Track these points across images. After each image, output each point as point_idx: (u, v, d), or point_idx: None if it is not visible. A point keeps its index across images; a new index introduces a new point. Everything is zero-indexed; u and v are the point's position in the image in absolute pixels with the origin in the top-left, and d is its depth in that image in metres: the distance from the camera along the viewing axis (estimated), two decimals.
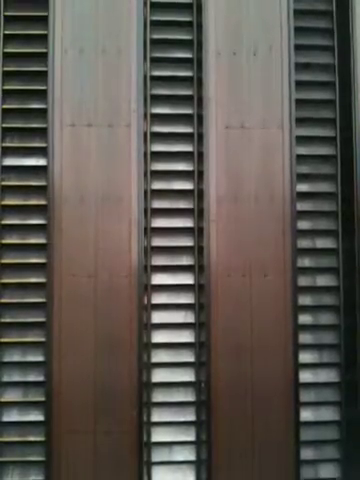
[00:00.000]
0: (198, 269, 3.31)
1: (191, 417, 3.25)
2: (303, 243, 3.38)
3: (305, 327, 3.33)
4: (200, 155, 3.34)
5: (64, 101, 3.22)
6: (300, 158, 3.36)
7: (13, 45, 3.30)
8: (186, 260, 3.35)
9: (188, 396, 3.27)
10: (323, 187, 3.46)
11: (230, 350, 3.18)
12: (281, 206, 3.28)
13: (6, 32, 3.29)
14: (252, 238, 3.26)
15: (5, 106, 3.26)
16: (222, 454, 3.15)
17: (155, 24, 3.38)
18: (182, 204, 3.38)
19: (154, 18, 3.38)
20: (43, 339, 3.15)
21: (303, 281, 3.35)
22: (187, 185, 3.39)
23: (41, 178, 3.25)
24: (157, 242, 3.33)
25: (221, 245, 3.24)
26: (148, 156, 3.33)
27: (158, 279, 3.32)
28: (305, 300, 3.36)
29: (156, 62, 3.39)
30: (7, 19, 3.30)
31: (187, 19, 3.42)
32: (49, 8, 3.24)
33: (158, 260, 3.33)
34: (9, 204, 3.25)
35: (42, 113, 3.25)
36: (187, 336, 3.30)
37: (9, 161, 3.27)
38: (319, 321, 3.38)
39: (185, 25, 3.42)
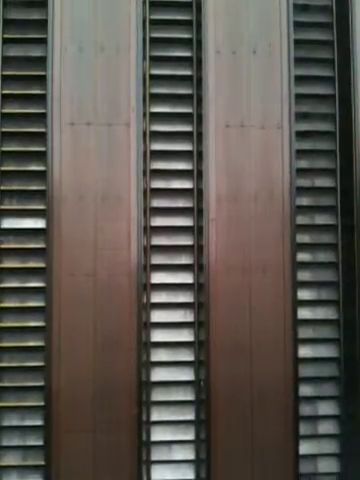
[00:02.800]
0: (197, 268, 3.31)
1: (190, 416, 3.26)
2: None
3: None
4: (199, 154, 3.34)
5: (63, 100, 3.22)
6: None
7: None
8: (185, 259, 3.35)
9: (187, 395, 3.27)
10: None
11: (229, 349, 3.19)
12: (280, 205, 3.28)
13: (6, 18, 3.28)
14: (251, 237, 3.26)
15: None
16: (221, 453, 3.15)
17: (154, 23, 3.38)
18: (181, 203, 3.38)
19: (153, 17, 3.38)
20: (43, 339, 3.15)
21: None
22: (186, 184, 3.39)
23: (41, 179, 3.25)
24: (156, 241, 3.33)
25: (220, 244, 3.24)
26: (147, 155, 3.33)
27: (157, 278, 3.32)
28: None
29: (155, 61, 3.39)
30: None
31: (186, 18, 3.42)
32: (48, 7, 3.24)
33: (157, 259, 3.33)
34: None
35: (41, 113, 3.25)
36: (186, 335, 3.31)
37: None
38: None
39: (184, 24, 3.42)
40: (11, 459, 3.14)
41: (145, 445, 3.19)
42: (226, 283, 3.22)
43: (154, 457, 3.22)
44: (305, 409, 3.30)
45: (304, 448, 3.27)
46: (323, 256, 3.42)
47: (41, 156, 3.24)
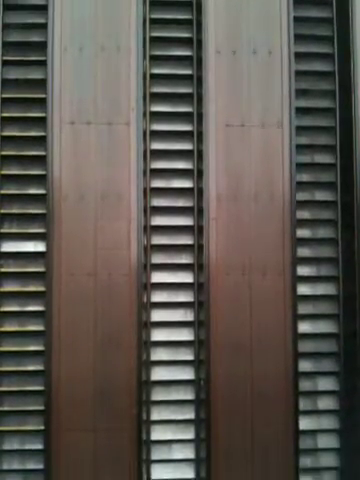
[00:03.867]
0: (198, 267, 3.31)
1: (190, 415, 3.26)
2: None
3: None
4: (200, 153, 3.34)
5: (63, 99, 3.21)
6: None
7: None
8: (186, 258, 3.35)
9: (187, 394, 3.27)
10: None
11: (229, 348, 3.19)
12: (281, 204, 3.28)
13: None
14: (252, 236, 3.26)
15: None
16: (221, 452, 3.15)
17: (155, 22, 3.38)
18: (182, 202, 3.38)
19: (154, 16, 3.38)
20: (43, 337, 3.15)
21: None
22: (187, 183, 3.39)
23: (41, 179, 3.24)
24: (157, 240, 3.33)
25: (221, 243, 3.24)
26: (148, 154, 3.33)
27: (158, 277, 3.32)
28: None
29: (156, 60, 3.38)
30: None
31: (187, 17, 3.41)
32: (48, 5, 3.23)
33: (158, 258, 3.33)
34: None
35: (41, 112, 3.25)
36: (186, 334, 3.31)
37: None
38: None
39: (185, 23, 3.41)
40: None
41: (145, 444, 3.19)
42: (226, 282, 3.22)
43: (154, 456, 3.22)
44: (305, 385, 3.30)
45: (304, 424, 3.27)
46: (322, 232, 3.44)
47: (41, 156, 3.23)
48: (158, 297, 3.31)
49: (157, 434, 3.24)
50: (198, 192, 3.35)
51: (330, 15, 3.47)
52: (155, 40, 3.38)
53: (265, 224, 3.27)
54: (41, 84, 3.25)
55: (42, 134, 3.23)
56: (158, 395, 3.26)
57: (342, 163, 3.42)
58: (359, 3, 3.38)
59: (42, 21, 3.26)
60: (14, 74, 3.28)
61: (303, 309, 3.33)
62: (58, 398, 3.09)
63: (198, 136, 3.36)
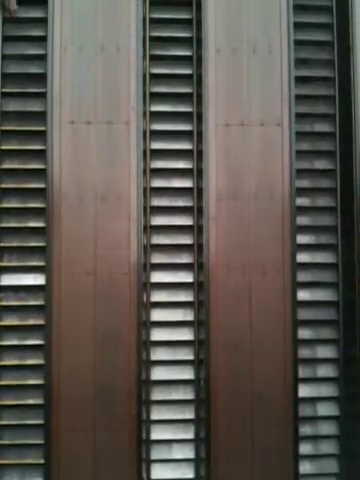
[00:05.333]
0: (197, 267, 3.31)
1: (190, 415, 3.26)
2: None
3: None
4: (199, 153, 3.34)
5: (63, 99, 3.22)
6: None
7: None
8: (185, 258, 3.35)
9: (187, 394, 3.27)
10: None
11: (229, 348, 3.18)
12: (280, 204, 3.28)
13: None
14: (251, 236, 3.26)
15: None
16: (221, 452, 3.14)
17: (154, 21, 3.38)
18: (181, 202, 3.38)
19: (153, 15, 3.38)
20: (42, 337, 3.15)
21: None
22: (186, 183, 3.39)
23: (41, 177, 3.25)
24: (156, 240, 3.33)
25: (220, 243, 3.24)
26: (147, 154, 3.33)
27: (157, 277, 3.32)
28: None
29: (155, 60, 3.39)
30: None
31: (186, 16, 3.41)
32: (48, 6, 3.24)
33: (157, 258, 3.33)
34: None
35: (41, 111, 3.26)
36: (186, 334, 3.31)
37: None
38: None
39: (184, 22, 3.41)
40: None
41: (145, 444, 3.19)
42: (226, 282, 3.22)
43: (154, 456, 3.22)
44: (304, 353, 3.30)
45: (304, 391, 3.27)
46: (322, 201, 3.44)
47: (41, 155, 3.24)
48: (158, 297, 3.31)
49: (157, 434, 3.24)
50: (198, 191, 3.35)
51: (330, 21, 3.47)
52: (155, 39, 3.38)
53: (265, 223, 3.26)
54: (41, 79, 3.25)
55: (42, 129, 3.24)
56: (158, 395, 3.26)
57: (341, 169, 3.43)
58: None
59: (42, 16, 3.26)
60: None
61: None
62: (58, 397, 3.09)
63: (198, 136, 3.36)
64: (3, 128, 3.26)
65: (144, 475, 3.17)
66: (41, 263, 3.20)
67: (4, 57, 3.27)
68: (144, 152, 3.29)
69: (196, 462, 3.22)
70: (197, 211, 3.34)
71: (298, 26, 3.38)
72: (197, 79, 3.38)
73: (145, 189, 3.29)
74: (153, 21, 3.38)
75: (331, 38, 3.46)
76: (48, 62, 3.23)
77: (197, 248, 3.32)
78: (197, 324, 3.29)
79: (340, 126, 3.43)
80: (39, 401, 3.14)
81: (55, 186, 3.19)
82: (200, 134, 3.33)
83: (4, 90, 3.27)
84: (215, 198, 3.25)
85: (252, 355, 3.20)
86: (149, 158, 3.34)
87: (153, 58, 3.38)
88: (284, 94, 3.32)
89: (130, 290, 3.18)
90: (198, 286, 3.30)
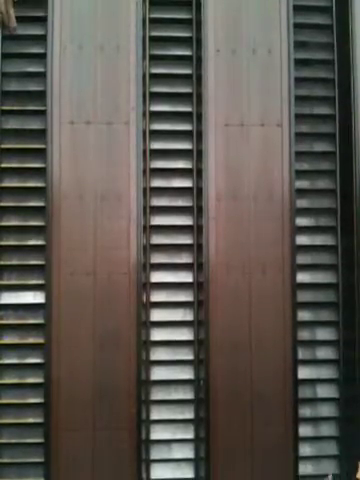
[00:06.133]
0: (197, 267, 3.31)
1: (190, 415, 3.26)
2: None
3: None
4: (199, 153, 3.34)
5: (63, 99, 3.22)
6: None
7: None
8: (185, 258, 3.35)
9: (187, 394, 3.27)
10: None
11: (229, 348, 3.18)
12: (280, 204, 3.28)
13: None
14: (251, 236, 3.26)
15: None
16: (221, 452, 3.15)
17: (154, 21, 3.38)
18: (181, 202, 3.38)
19: (153, 16, 3.38)
20: (43, 337, 3.15)
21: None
22: (186, 183, 3.39)
23: (40, 176, 3.25)
24: (156, 240, 3.33)
25: (220, 243, 3.24)
26: (147, 154, 3.33)
27: (157, 277, 3.32)
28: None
29: (155, 60, 3.39)
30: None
31: (186, 17, 3.41)
32: (48, 5, 3.23)
33: (157, 258, 3.33)
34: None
35: (41, 111, 3.25)
36: (186, 334, 3.31)
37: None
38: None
39: (184, 22, 3.42)
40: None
41: (145, 444, 3.19)
42: (226, 282, 3.22)
43: (154, 456, 3.22)
44: (303, 334, 3.32)
45: (304, 373, 3.28)
46: (322, 183, 3.45)
47: (41, 155, 3.24)
48: (158, 296, 3.31)
49: (157, 434, 3.24)
50: (197, 192, 3.35)
51: (330, 21, 3.47)
52: (155, 39, 3.38)
53: (264, 223, 3.26)
54: (41, 75, 3.26)
55: (42, 128, 3.24)
56: (158, 395, 3.26)
57: (341, 168, 3.43)
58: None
59: (42, 14, 3.26)
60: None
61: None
62: (58, 397, 3.09)
63: (197, 135, 3.36)
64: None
65: (144, 475, 3.17)
66: (41, 281, 3.18)
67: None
68: (144, 152, 3.30)
69: (196, 462, 3.23)
70: (197, 211, 3.34)
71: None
72: (197, 79, 3.38)
73: (145, 189, 3.29)
74: (153, 21, 3.38)
75: (331, 38, 3.47)
76: (47, 61, 3.23)
77: (197, 248, 3.32)
78: (197, 324, 3.29)
79: (340, 127, 3.44)
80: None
81: (55, 186, 3.19)
82: (200, 134, 3.33)
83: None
84: (215, 198, 3.25)
85: (252, 354, 3.20)
86: (149, 158, 3.34)
87: (153, 58, 3.38)
88: (284, 95, 3.32)
89: (130, 290, 3.18)
90: (198, 286, 3.31)
